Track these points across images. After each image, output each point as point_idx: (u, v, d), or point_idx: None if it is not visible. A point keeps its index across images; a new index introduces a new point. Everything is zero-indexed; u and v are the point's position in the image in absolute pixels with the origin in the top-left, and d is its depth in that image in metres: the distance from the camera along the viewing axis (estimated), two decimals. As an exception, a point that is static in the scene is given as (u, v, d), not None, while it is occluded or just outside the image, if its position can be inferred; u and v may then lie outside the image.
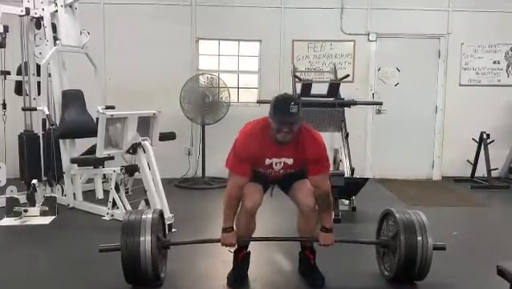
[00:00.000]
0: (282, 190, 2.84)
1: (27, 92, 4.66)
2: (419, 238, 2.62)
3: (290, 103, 2.44)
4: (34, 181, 4.38)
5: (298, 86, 4.94)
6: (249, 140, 2.59)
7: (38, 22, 4.59)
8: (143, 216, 2.65)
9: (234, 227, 2.70)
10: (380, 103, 5.56)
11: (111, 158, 4.49)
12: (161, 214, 2.78)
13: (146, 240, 2.51)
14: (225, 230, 2.67)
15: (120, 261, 2.60)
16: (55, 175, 4.56)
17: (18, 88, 4.75)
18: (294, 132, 2.50)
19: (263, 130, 2.57)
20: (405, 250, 2.60)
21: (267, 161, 2.61)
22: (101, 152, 4.10)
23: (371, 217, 4.38)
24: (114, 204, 4.14)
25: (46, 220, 4.09)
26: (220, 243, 2.71)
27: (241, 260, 2.83)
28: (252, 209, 2.68)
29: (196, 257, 3.30)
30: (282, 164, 2.63)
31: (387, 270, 2.83)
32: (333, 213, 2.83)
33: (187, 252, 3.39)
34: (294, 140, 2.55)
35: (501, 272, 2.15)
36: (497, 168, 6.06)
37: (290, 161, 2.62)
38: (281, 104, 2.46)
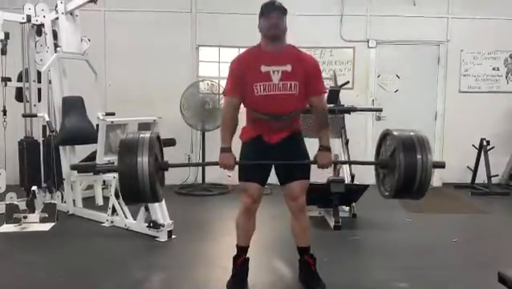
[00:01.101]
0: (278, 177, 2.76)
1: (28, 99, 4.67)
2: (418, 156, 2.47)
3: (275, 1, 2.60)
4: (34, 188, 4.37)
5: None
6: (243, 56, 2.69)
7: (39, 29, 4.61)
8: (141, 135, 2.53)
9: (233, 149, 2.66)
10: (380, 110, 5.57)
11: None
12: (158, 136, 2.67)
13: (144, 161, 2.40)
14: (223, 150, 2.63)
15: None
16: (55, 181, 4.55)
17: (19, 95, 4.77)
18: (284, 26, 2.60)
19: (256, 48, 2.67)
20: (404, 168, 2.46)
21: (263, 69, 2.57)
22: (101, 159, 4.11)
23: (372, 224, 4.39)
24: (114, 210, 4.14)
25: (46, 227, 4.08)
26: (218, 165, 2.64)
27: (241, 266, 2.81)
28: (250, 207, 2.68)
29: (195, 264, 3.30)
30: (280, 74, 2.58)
31: (387, 190, 2.70)
32: (329, 127, 2.76)
33: (186, 259, 3.39)
34: (289, 50, 2.63)
35: (502, 279, 2.14)
36: (497, 175, 6.06)
37: (288, 68, 2.58)
38: (267, 2, 2.61)
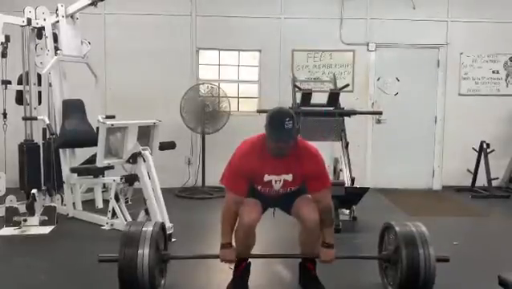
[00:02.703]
0: (284, 211, 2.80)
1: (28, 102, 4.68)
2: (420, 251, 2.56)
3: (285, 119, 2.40)
4: (34, 191, 4.37)
5: (298, 95, 4.95)
6: (247, 157, 2.56)
7: (39, 32, 4.62)
8: (143, 228, 2.60)
9: (233, 243, 2.66)
10: (380, 113, 5.58)
11: (111, 167, 4.49)
12: (163, 227, 2.74)
13: (144, 253, 2.46)
14: (223, 246, 2.63)
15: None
16: (55, 184, 4.56)
17: (19, 98, 4.77)
18: (291, 147, 2.49)
19: (260, 146, 2.55)
20: (407, 264, 2.55)
21: (266, 178, 2.57)
22: (101, 162, 4.10)
23: (372, 227, 4.37)
24: (114, 213, 4.13)
25: (46, 230, 4.08)
26: (219, 259, 2.68)
27: (242, 271, 2.81)
28: (250, 227, 2.63)
29: (195, 267, 3.29)
30: (281, 182, 2.59)
31: (390, 284, 2.78)
32: (334, 225, 2.79)
33: (186, 262, 3.38)
34: (291, 156, 2.53)
35: (502, 282, 2.14)
36: (497, 178, 6.06)
37: (289, 178, 2.58)
38: (276, 121, 2.43)
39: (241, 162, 2.57)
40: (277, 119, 2.43)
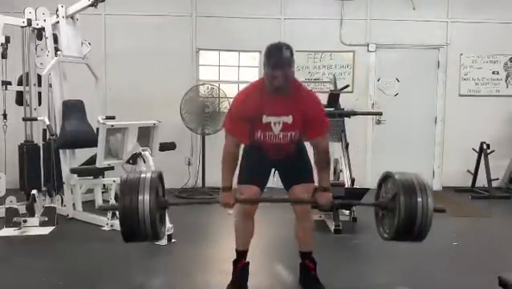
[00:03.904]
0: (282, 182, 2.79)
1: (28, 102, 4.68)
2: (419, 200, 2.47)
3: (282, 47, 2.46)
4: (34, 192, 4.36)
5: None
6: (246, 99, 2.59)
7: (39, 33, 4.62)
8: (142, 175, 2.53)
9: (234, 185, 2.67)
10: (380, 114, 5.58)
11: (111, 168, 4.49)
12: (160, 175, 2.66)
13: (145, 199, 2.40)
14: (223, 190, 2.64)
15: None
16: (55, 185, 4.56)
17: (19, 98, 4.77)
18: (289, 78, 2.48)
19: (259, 88, 2.57)
20: (405, 211, 2.47)
21: (265, 119, 2.55)
22: (101, 162, 4.10)
23: (372, 228, 4.35)
24: (113, 214, 4.12)
25: (46, 230, 4.07)
26: (219, 204, 2.67)
27: (240, 271, 2.80)
28: (249, 210, 2.67)
29: (195, 268, 3.29)
30: (281, 125, 2.56)
31: (385, 232, 2.70)
32: (329, 169, 2.76)
33: (186, 263, 3.39)
34: (291, 97, 2.53)
35: (502, 283, 2.15)
36: (497, 179, 6.06)
37: (289, 120, 2.55)
38: (274, 49, 2.47)
39: (241, 104, 2.59)
40: (274, 47, 2.48)
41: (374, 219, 2.78)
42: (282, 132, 2.58)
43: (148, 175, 2.51)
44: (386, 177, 2.70)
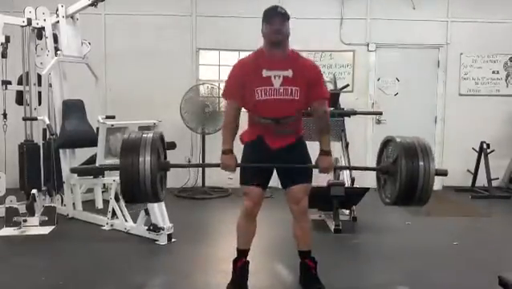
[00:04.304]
0: (281, 181, 2.78)
1: (28, 102, 4.68)
2: (421, 163, 2.44)
3: (277, 6, 2.62)
4: (34, 191, 4.37)
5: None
6: (244, 62, 2.69)
7: (39, 33, 4.62)
8: (143, 135, 2.51)
9: (233, 148, 2.66)
10: (380, 113, 5.57)
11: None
12: (161, 137, 2.65)
13: (146, 160, 2.39)
14: (224, 152, 2.65)
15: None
16: (55, 185, 4.56)
17: (19, 98, 4.77)
18: (286, 32, 2.62)
19: (257, 54, 2.67)
20: (406, 175, 2.44)
21: (265, 73, 2.58)
22: (101, 162, 4.10)
23: (372, 227, 4.39)
24: (113, 214, 4.13)
25: (46, 230, 4.07)
26: (220, 167, 2.65)
27: (240, 270, 2.80)
28: (251, 210, 2.68)
29: (195, 267, 3.30)
30: (281, 79, 2.59)
31: (387, 196, 2.67)
32: (329, 132, 2.75)
33: (186, 262, 3.39)
34: (290, 56, 2.64)
35: (502, 282, 2.15)
36: (497, 178, 6.06)
37: (289, 74, 2.59)
38: (270, 8, 2.62)
39: (240, 67, 2.67)
40: (270, 8, 2.63)
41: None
42: (282, 86, 2.59)
43: (150, 135, 2.50)
44: (387, 141, 2.68)
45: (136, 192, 2.43)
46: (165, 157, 2.68)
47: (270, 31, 2.58)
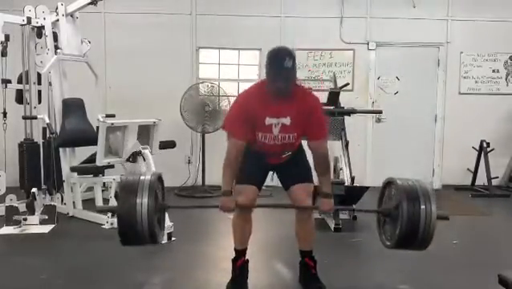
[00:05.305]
0: (281, 182, 2.80)
1: (28, 101, 4.67)
2: (422, 207, 2.45)
3: (284, 57, 2.42)
4: (34, 190, 4.37)
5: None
6: (249, 99, 2.60)
7: (39, 31, 4.62)
8: (141, 177, 2.52)
9: (233, 190, 2.66)
10: (380, 112, 5.57)
11: (111, 166, 4.49)
12: (160, 177, 2.65)
13: (143, 202, 2.39)
14: (223, 194, 2.63)
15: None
16: (55, 183, 4.56)
17: (19, 97, 4.77)
18: (291, 85, 2.48)
19: (261, 90, 2.57)
20: (407, 219, 2.44)
21: (267, 121, 2.55)
22: (101, 161, 4.10)
23: (372, 226, 4.37)
24: (113, 213, 4.13)
25: (46, 229, 4.08)
26: (218, 208, 2.65)
27: (240, 269, 2.80)
28: (245, 205, 2.66)
29: (195, 266, 3.30)
30: (279, 126, 2.57)
31: (388, 239, 2.69)
32: (330, 173, 2.76)
33: (186, 261, 3.39)
34: (292, 98, 2.53)
35: (502, 281, 2.14)
36: (497, 177, 6.06)
37: (287, 122, 2.55)
38: (275, 59, 2.45)
39: (245, 104, 2.58)
40: (276, 57, 2.45)
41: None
42: (280, 133, 2.59)
43: (148, 178, 2.49)
44: (389, 183, 2.69)
45: (134, 235, 2.44)
46: (163, 198, 2.69)
47: (274, 88, 2.47)
